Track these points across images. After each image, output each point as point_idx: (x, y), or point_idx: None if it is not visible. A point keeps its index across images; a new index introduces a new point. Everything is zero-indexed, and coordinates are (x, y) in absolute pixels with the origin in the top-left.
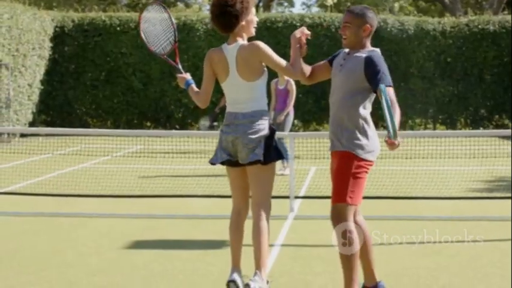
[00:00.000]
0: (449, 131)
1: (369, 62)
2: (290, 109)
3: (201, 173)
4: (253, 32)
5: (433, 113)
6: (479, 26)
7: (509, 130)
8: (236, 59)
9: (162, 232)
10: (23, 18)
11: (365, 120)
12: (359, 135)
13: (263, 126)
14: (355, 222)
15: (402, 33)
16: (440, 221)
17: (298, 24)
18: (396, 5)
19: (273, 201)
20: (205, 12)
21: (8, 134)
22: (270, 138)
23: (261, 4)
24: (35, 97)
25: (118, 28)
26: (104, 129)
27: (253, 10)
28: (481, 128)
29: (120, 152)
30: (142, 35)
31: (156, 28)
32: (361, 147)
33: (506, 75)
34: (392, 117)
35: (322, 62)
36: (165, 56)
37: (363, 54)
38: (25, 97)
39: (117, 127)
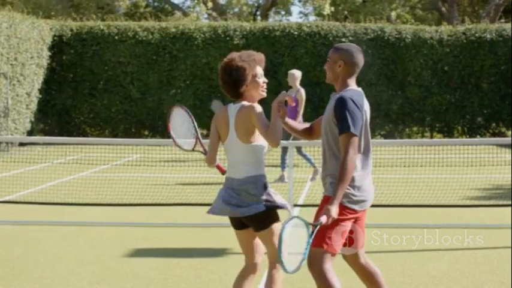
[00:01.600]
0: (448, 139)
1: (336, 104)
2: (299, 118)
3: (200, 182)
4: (261, 94)
5: (430, 121)
6: (476, 35)
7: (509, 138)
8: (235, 119)
9: (163, 241)
10: (22, 27)
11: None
12: None
13: (256, 196)
14: (361, 265)
15: (399, 42)
16: (441, 229)
17: (296, 32)
18: (393, 13)
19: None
20: (203, 21)
21: (7, 143)
22: (266, 205)
23: (258, 13)
24: (33, 106)
25: (116, 37)
26: (104, 138)
27: (258, 72)
28: (478, 136)
29: (119, 160)
30: (177, 143)
31: (183, 130)
32: (346, 195)
33: (503, 84)
34: (280, 250)
35: (321, 117)
36: (194, 149)
37: (338, 95)
38: (23, 106)
39: (115, 136)
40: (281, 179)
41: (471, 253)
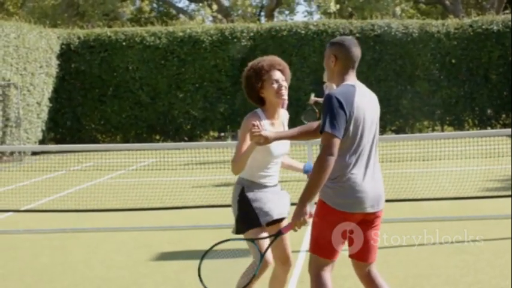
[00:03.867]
0: (459, 132)
1: (323, 103)
2: None
3: (218, 183)
4: (279, 99)
5: (441, 114)
6: (483, 26)
7: (509, 129)
8: None
9: (188, 243)
10: (30, 37)
11: (342, 168)
12: (331, 183)
13: (234, 197)
14: (368, 278)
15: (407, 37)
16: (461, 221)
17: (303, 32)
18: (398, 9)
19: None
20: (208, 23)
21: (20, 152)
22: (238, 209)
23: (262, 13)
24: (44, 115)
25: (124, 43)
26: (122, 144)
27: (273, 77)
28: (489, 128)
29: (134, 165)
30: None
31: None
32: (330, 194)
33: (511, 74)
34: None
35: None
36: None
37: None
38: (34, 115)
39: (126, 141)
40: None
41: (494, 244)
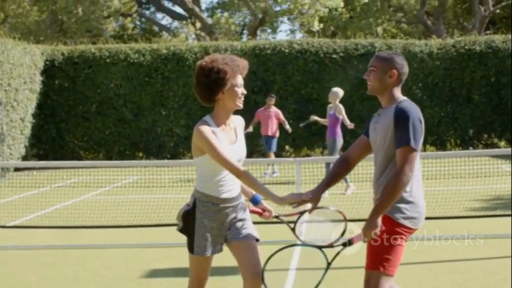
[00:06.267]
0: (455, 152)
1: (398, 115)
2: (337, 133)
3: None
4: (237, 105)
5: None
6: (466, 47)
7: (509, 149)
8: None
9: (176, 260)
10: (14, 53)
11: (409, 184)
12: (399, 200)
13: (187, 208)
14: None
15: None
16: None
17: (286, 50)
18: (379, 28)
19: (282, 228)
20: (191, 41)
21: (2, 168)
22: (187, 223)
23: (245, 31)
24: (27, 131)
25: (108, 60)
26: (111, 161)
27: (238, 81)
28: (471, 148)
29: (119, 183)
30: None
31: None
32: (400, 211)
33: (493, 95)
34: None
35: (357, 140)
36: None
37: (393, 107)
38: (18, 131)
39: (109, 158)
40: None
41: (482, 263)
